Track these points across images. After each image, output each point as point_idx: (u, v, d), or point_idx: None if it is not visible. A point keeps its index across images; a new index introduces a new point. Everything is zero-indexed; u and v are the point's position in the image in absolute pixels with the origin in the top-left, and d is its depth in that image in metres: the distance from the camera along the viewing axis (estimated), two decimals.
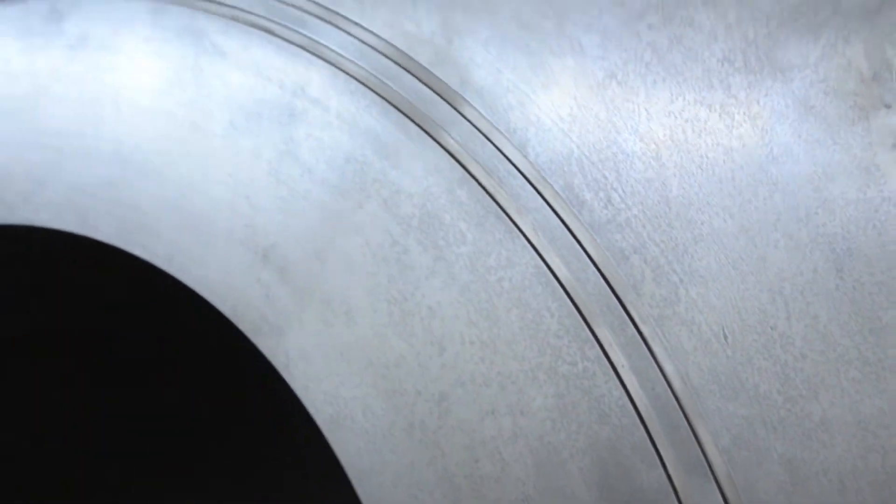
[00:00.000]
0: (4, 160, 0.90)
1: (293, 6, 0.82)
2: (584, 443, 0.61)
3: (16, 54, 0.94)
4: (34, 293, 1.04)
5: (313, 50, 0.79)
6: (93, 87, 0.89)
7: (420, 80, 0.74)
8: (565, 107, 0.68)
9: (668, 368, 0.60)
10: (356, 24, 0.78)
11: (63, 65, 0.91)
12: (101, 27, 0.90)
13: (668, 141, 0.65)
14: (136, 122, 0.85)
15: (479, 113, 0.71)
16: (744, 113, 0.63)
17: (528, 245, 0.66)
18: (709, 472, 0.58)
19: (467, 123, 0.71)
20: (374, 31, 0.77)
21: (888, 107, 0.60)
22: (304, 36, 0.80)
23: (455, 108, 0.72)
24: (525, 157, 0.69)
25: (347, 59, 0.78)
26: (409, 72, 0.75)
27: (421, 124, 0.73)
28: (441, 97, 0.73)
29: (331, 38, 0.79)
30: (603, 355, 0.62)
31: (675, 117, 0.65)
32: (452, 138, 0.71)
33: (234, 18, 0.84)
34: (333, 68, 0.78)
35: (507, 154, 0.69)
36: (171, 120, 0.84)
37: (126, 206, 0.83)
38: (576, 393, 0.62)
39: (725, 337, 0.60)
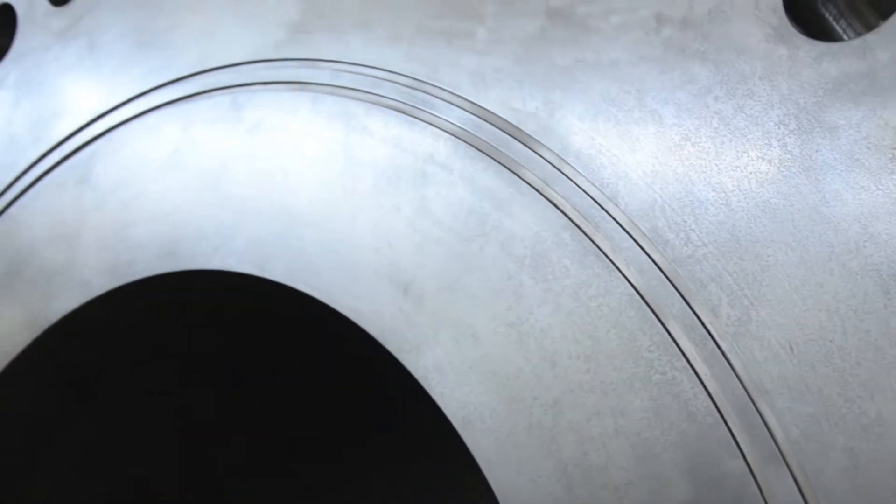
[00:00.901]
0: (200, 219, 0.94)
1: (422, 91, 0.85)
2: (675, 438, 0.61)
3: (206, 137, 0.99)
4: (219, 321, 1.09)
5: (439, 125, 0.82)
6: (266, 161, 0.93)
7: (527, 147, 0.76)
8: (648, 164, 0.70)
9: (744, 376, 0.61)
10: (473, 103, 0.81)
11: (242, 144, 0.95)
12: (272, 114, 0.94)
13: (737, 190, 0.65)
14: (299, 186, 0.89)
15: (577, 171, 0.73)
16: (799, 166, 0.64)
17: (622, 277, 0.67)
18: (782, 461, 0.58)
19: (568, 180, 0.73)
20: (488, 108, 0.80)
21: None
22: (432, 114, 0.83)
23: (557, 168, 0.74)
24: (616, 205, 0.70)
25: (467, 131, 0.80)
26: (517, 140, 0.77)
27: (529, 182, 0.75)
28: (545, 159, 0.75)
29: (453, 115, 0.82)
30: (689, 366, 0.63)
31: (742, 171, 0.66)
32: (556, 192, 0.73)
33: (377, 103, 0.87)
34: (456, 139, 0.81)
35: (601, 204, 0.71)
36: (328, 184, 0.87)
37: (293, 251, 0.86)
38: (667, 397, 0.63)
39: (791, 349, 0.60)
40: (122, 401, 1.15)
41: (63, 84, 1.15)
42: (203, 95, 1.02)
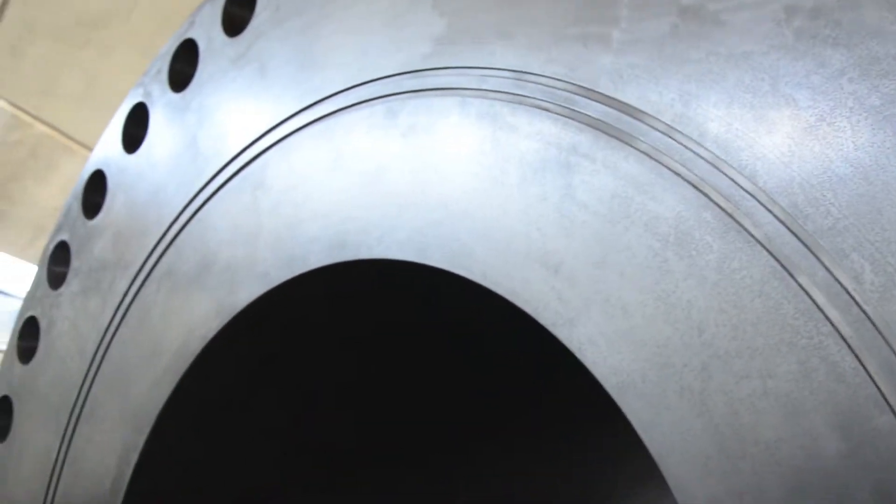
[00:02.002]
0: (364, 215, 0.99)
1: (562, 90, 0.86)
2: (824, 397, 0.61)
3: (365, 142, 1.03)
4: (381, 306, 1.13)
5: (580, 119, 0.83)
6: (420, 160, 0.97)
7: (666, 135, 0.77)
8: (785, 145, 0.69)
9: (891, 338, 0.59)
10: (611, 98, 0.82)
11: (398, 146, 0.99)
12: (424, 118, 0.98)
13: (874, 165, 0.64)
14: (453, 181, 0.92)
15: (716, 155, 0.73)
16: None
17: (764, 250, 0.67)
18: None
19: (706, 164, 0.73)
20: (626, 101, 0.81)
21: None
22: (573, 110, 0.84)
23: (696, 153, 0.74)
24: (755, 184, 0.69)
25: (607, 123, 0.81)
26: (656, 129, 0.78)
27: (669, 167, 0.75)
28: (684, 146, 0.75)
29: (592, 109, 0.83)
30: (834, 331, 0.62)
31: (878, 147, 0.64)
32: (695, 175, 0.73)
33: (521, 103, 0.89)
34: (597, 131, 0.82)
35: (740, 184, 0.70)
36: (478, 178, 0.90)
37: (449, 239, 0.89)
38: (814, 360, 0.62)
39: None
40: (299, 378, 1.21)
41: (239, 104, 1.22)
42: (360, 106, 1.06)
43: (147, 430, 1.18)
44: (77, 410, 1.32)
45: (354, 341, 1.19)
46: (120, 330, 1.28)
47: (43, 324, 1.44)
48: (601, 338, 0.74)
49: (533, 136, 0.86)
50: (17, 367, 1.48)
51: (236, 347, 1.13)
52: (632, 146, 0.79)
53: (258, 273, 1.08)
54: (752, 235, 0.68)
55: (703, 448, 0.65)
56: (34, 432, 1.41)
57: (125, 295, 1.28)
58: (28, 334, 1.47)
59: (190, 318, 1.16)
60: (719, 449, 0.64)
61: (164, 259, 1.24)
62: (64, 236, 1.46)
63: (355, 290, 1.07)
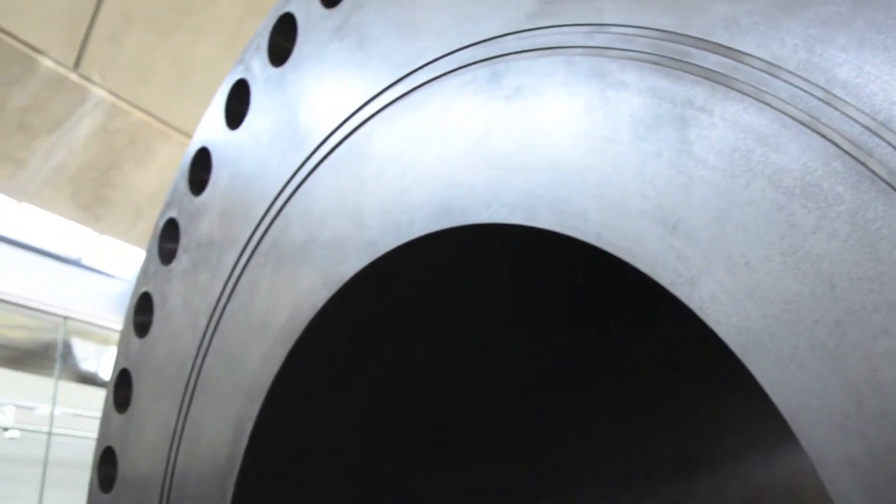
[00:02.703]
0: (470, 179, 0.99)
1: (674, 42, 0.84)
2: None
3: (469, 106, 1.03)
4: (491, 271, 1.14)
5: (695, 72, 0.81)
6: (526, 122, 0.96)
7: (789, 83, 0.74)
8: None
9: None
10: (728, 48, 0.80)
11: (504, 108, 0.99)
12: (529, 79, 0.97)
13: None
14: (560, 141, 0.92)
15: (845, 101, 0.70)
16: None
17: None
18: None
19: (835, 111, 0.70)
20: (744, 51, 0.78)
21: None
22: (686, 62, 0.82)
23: (822, 101, 0.71)
24: (891, 130, 0.67)
25: (724, 74, 0.79)
26: (778, 78, 0.75)
27: (794, 116, 0.73)
28: (809, 93, 0.72)
29: (708, 61, 0.81)
30: None
31: None
32: (823, 123, 0.71)
33: (630, 58, 0.87)
34: (712, 83, 0.80)
35: (873, 130, 0.68)
36: (587, 136, 0.89)
37: (559, 200, 0.89)
38: None
39: None
40: (408, 346, 1.23)
41: (339, 75, 1.24)
42: (462, 70, 1.06)
43: (260, 400, 1.22)
44: (192, 382, 1.38)
45: (462, 307, 1.20)
46: (230, 303, 1.32)
47: (156, 299, 1.51)
48: (724, 296, 0.72)
49: (645, 91, 0.85)
50: (134, 341, 1.55)
51: (345, 317, 1.16)
52: (752, 97, 0.76)
53: (364, 242, 1.10)
54: (889, 184, 0.65)
55: (839, 406, 0.63)
56: (153, 404, 1.48)
57: (233, 269, 1.33)
58: (143, 309, 1.54)
59: (297, 290, 1.19)
60: (857, 407, 0.62)
61: (270, 232, 1.27)
62: (172, 213, 1.52)
63: (462, 255, 1.08)
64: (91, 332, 12.10)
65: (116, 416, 1.58)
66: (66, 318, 8.96)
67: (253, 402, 1.24)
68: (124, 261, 16.56)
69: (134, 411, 1.54)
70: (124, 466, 1.54)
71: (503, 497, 1.48)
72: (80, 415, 9.60)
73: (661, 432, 1.49)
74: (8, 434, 9.41)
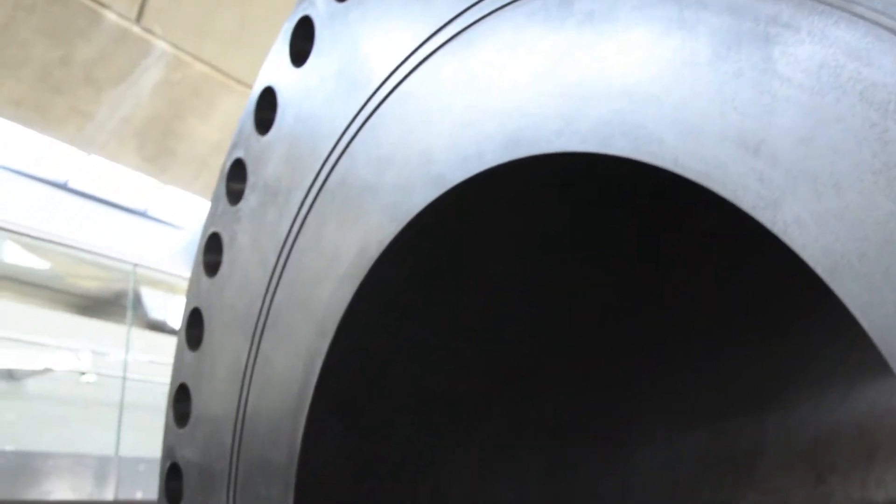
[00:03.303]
0: (541, 108, 0.97)
1: None
2: None
3: (539, 35, 1.01)
4: (562, 203, 1.13)
5: None
6: (600, 47, 0.94)
7: None
8: None
9: None
10: None
11: (575, 35, 0.96)
12: (602, 3, 0.94)
13: None
14: (635, 66, 0.89)
15: None
16: None
17: None
18: None
19: None
20: None
21: None
22: None
23: None
24: None
25: None
26: None
27: (889, 27, 0.69)
28: None
29: None
30: None
31: None
32: None
33: None
34: None
35: None
36: (663, 60, 0.86)
37: (634, 126, 0.87)
38: None
39: None
40: (478, 280, 1.23)
41: (404, 6, 1.22)
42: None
43: (330, 334, 1.24)
44: (262, 319, 1.41)
45: (531, 239, 1.19)
46: (298, 240, 1.34)
47: (225, 239, 1.53)
48: (810, 218, 0.70)
49: (724, 10, 0.82)
50: (205, 280, 1.58)
51: (414, 251, 1.16)
52: (842, 10, 0.73)
53: (432, 176, 1.10)
54: None
55: None
56: (224, 342, 1.52)
57: (301, 206, 1.34)
58: (212, 249, 1.57)
59: (366, 225, 1.19)
60: None
61: (337, 168, 1.27)
62: (239, 153, 1.53)
63: (532, 187, 1.07)
64: (159, 281, 12.45)
65: (189, 354, 1.62)
66: (136, 265, 9.21)
67: (323, 337, 1.26)
68: (189, 211, 16.93)
69: (206, 349, 1.58)
70: (198, 402, 1.59)
71: (573, 431, 1.48)
72: (152, 361, 9.93)
73: (733, 371, 1.47)
74: (84, 378, 9.82)
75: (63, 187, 15.52)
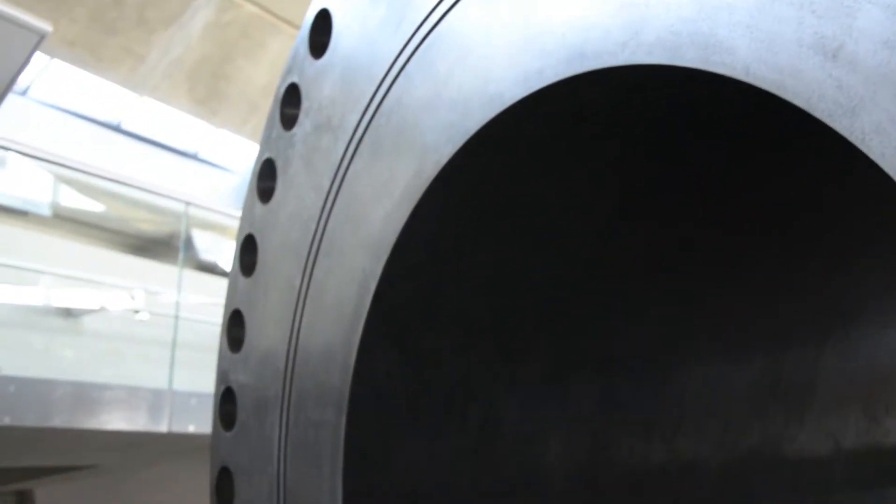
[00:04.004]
0: (604, 20, 0.95)
1: None
2: None
3: None
4: (628, 118, 1.10)
5: None
6: None
7: None
8: None
9: None
10: None
11: None
12: None
13: None
14: None
15: None
16: None
17: None
18: None
19: None
20: None
21: None
22: None
23: None
24: None
25: None
26: None
27: None
28: None
29: None
30: None
31: None
32: None
33: None
34: None
35: None
36: None
37: (705, 36, 0.84)
38: None
39: None
40: (537, 201, 1.22)
41: None
42: None
43: (384, 257, 1.24)
44: (316, 244, 1.42)
45: (591, 158, 1.17)
46: (353, 163, 1.34)
47: (279, 164, 1.54)
48: (891, 125, 0.67)
49: None
50: (259, 207, 1.59)
51: (470, 172, 1.15)
52: None
53: (490, 94, 1.08)
54: None
55: None
56: (277, 267, 1.53)
57: (356, 129, 1.33)
58: (266, 175, 1.57)
59: (422, 146, 1.18)
60: None
61: (393, 90, 1.26)
62: (293, 79, 1.53)
63: (595, 102, 1.05)
64: (210, 224, 12.65)
65: (243, 280, 1.65)
66: (188, 203, 9.36)
67: (377, 260, 1.26)
68: (239, 155, 17.09)
69: (259, 275, 1.60)
70: (252, 328, 1.62)
71: (624, 366, 1.48)
72: (203, 301, 10.14)
73: (793, 302, 1.45)
74: (138, 316, 10.09)
75: (116, 129, 15.77)
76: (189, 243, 11.63)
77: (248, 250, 1.63)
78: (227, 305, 1.70)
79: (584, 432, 1.54)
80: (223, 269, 11.59)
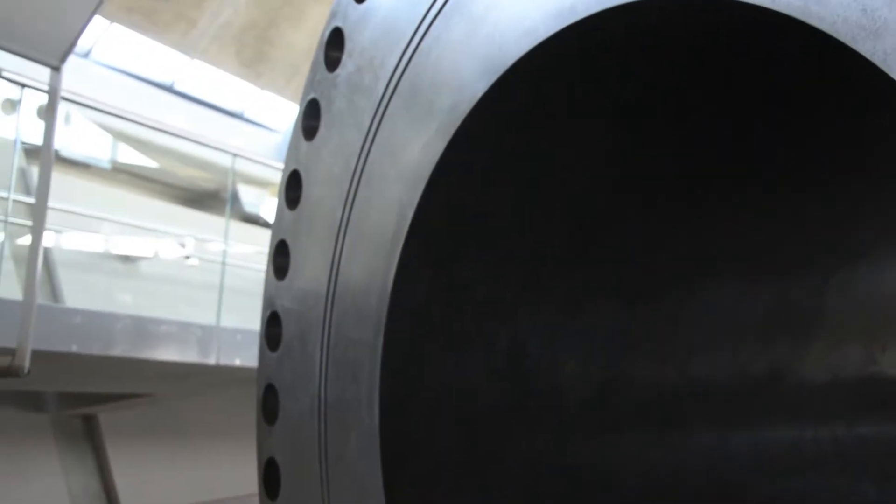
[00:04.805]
0: None
1: None
2: None
3: None
4: (662, 51, 1.07)
5: None
6: None
7: None
8: None
9: None
10: None
11: None
12: None
13: None
14: None
15: None
16: None
17: None
18: None
19: None
20: None
21: None
22: None
23: None
24: None
25: None
26: None
27: None
28: None
29: None
30: None
31: None
32: None
33: None
34: None
35: None
36: None
37: None
38: None
39: None
40: (572, 135, 1.20)
41: None
42: None
43: (421, 187, 1.24)
44: (357, 176, 1.41)
45: (623, 92, 1.15)
46: (392, 100, 1.32)
47: (323, 103, 1.53)
48: None
49: None
50: (304, 144, 1.59)
51: (504, 106, 1.13)
52: None
53: (525, 29, 1.06)
54: None
55: None
56: (321, 200, 1.54)
57: (396, 68, 1.32)
58: (311, 114, 1.57)
59: (459, 81, 1.17)
60: None
61: (432, 29, 1.25)
62: (337, 23, 1.51)
63: (629, 38, 1.02)
64: (254, 179, 12.70)
65: (288, 213, 1.65)
66: (235, 154, 9.39)
67: (414, 190, 1.26)
68: (281, 115, 17.08)
69: (303, 207, 1.60)
70: (296, 256, 1.62)
71: (641, 297, 1.47)
72: (247, 251, 10.23)
73: (810, 224, 1.42)
74: (189, 262, 10.21)
75: (169, 89, 15.81)
76: (235, 197, 11.70)
77: (294, 185, 1.63)
78: (273, 236, 1.71)
79: (600, 358, 1.54)
80: (266, 220, 11.66)
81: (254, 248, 10.22)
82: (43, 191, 5.47)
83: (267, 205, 13.12)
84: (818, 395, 1.56)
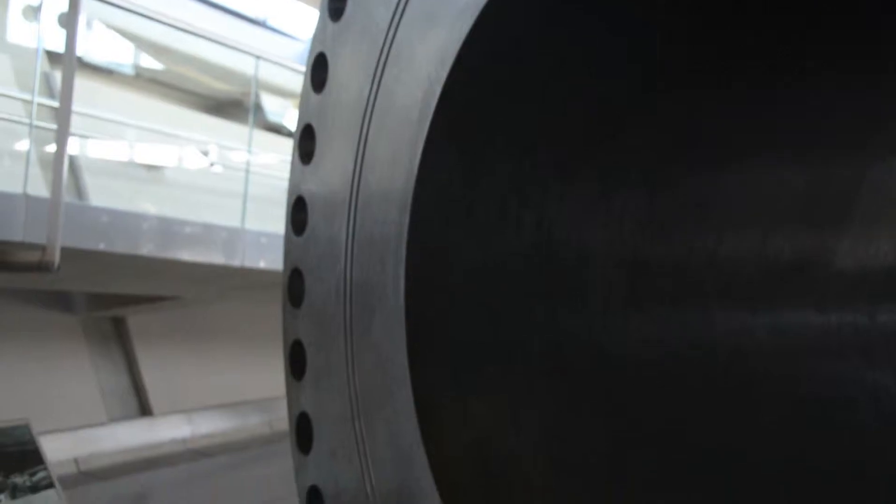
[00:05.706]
0: None
1: None
2: None
3: None
4: None
5: None
6: None
7: None
8: None
9: None
10: None
11: None
12: None
13: None
14: None
15: None
16: None
17: None
18: None
19: None
20: None
21: None
22: None
23: None
24: None
25: None
26: None
27: None
28: None
29: None
30: None
31: None
32: None
33: None
34: None
35: None
36: None
37: None
38: None
39: None
40: (586, 30, 1.16)
41: None
42: None
43: (449, 62, 1.21)
44: (384, 56, 1.39)
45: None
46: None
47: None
48: None
49: None
50: (330, 25, 1.56)
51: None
52: None
53: None
54: None
55: None
56: (347, 80, 1.51)
57: None
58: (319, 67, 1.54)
59: None
60: None
61: None
62: None
63: None
64: (276, 88, 12.57)
65: (314, 96, 1.63)
66: (258, 57, 9.27)
67: (443, 65, 1.23)
68: (304, 23, 16.78)
69: (330, 89, 1.58)
70: (322, 139, 1.61)
71: (668, 184, 1.45)
72: (271, 161, 10.23)
73: (835, 119, 1.38)
74: (213, 169, 10.24)
75: None
76: (258, 107, 11.61)
77: (320, 67, 1.60)
78: (299, 121, 1.70)
79: (626, 246, 1.53)
80: (288, 129, 11.59)
81: (277, 157, 10.21)
82: (68, 84, 5.43)
83: (289, 115, 13.03)
84: (843, 286, 1.54)
